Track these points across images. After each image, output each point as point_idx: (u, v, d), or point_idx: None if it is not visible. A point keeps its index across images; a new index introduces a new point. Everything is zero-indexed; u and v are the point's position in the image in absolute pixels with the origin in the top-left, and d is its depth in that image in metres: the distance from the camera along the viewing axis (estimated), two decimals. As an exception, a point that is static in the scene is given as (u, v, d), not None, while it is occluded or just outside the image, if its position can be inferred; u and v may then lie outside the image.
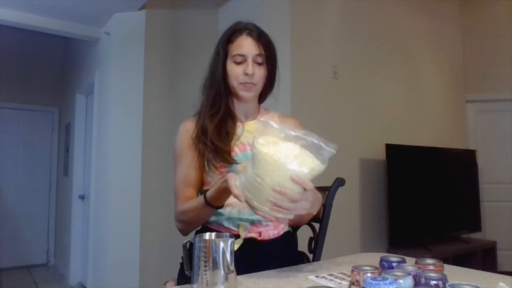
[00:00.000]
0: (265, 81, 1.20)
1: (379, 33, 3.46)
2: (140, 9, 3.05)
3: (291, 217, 0.89)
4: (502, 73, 4.17)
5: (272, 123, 0.86)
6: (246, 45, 1.14)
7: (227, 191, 0.92)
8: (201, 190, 1.21)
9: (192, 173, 1.16)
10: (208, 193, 1.02)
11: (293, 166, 0.83)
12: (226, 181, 0.92)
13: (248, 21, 1.20)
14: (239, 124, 1.21)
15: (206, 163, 1.14)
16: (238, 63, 1.15)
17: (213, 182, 1.15)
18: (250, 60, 1.14)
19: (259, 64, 1.16)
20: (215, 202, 1.02)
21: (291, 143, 0.84)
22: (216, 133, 1.14)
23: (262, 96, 1.27)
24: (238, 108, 1.23)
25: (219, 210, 1.15)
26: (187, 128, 1.20)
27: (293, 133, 0.85)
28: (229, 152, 1.13)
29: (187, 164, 1.17)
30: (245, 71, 1.13)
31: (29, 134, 4.89)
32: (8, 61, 4.59)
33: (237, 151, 1.15)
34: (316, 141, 0.84)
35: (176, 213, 1.15)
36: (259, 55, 1.14)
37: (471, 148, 4.07)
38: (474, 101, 4.30)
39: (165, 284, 1.16)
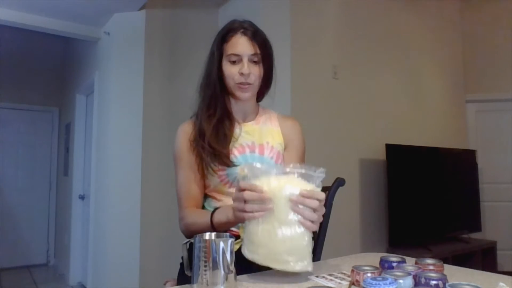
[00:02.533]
0: (262, 80, 1.18)
1: (379, 33, 3.46)
2: (140, 9, 3.05)
3: (316, 227, 0.87)
4: (502, 73, 4.17)
5: (257, 165, 0.87)
6: (240, 45, 1.12)
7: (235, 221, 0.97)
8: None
9: (194, 175, 1.16)
10: (216, 219, 1.03)
11: (287, 191, 0.83)
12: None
13: (244, 19, 1.17)
14: (236, 125, 1.20)
15: (205, 167, 1.13)
16: (233, 63, 1.13)
17: (212, 186, 1.16)
18: (245, 60, 1.12)
19: (255, 63, 1.14)
20: (221, 229, 1.03)
21: (278, 177, 0.85)
22: (214, 136, 1.13)
23: (259, 95, 1.26)
24: (236, 108, 1.21)
25: None
26: (185, 130, 1.19)
27: (278, 170, 0.86)
28: (227, 155, 1.12)
29: (188, 167, 1.16)
30: (240, 71, 1.12)
31: (29, 134, 4.89)
32: (8, 61, 4.59)
33: (236, 154, 1.14)
34: (304, 171, 0.85)
35: (181, 221, 1.14)
36: (254, 54, 1.13)
37: (471, 148, 4.07)
38: (474, 101, 4.30)
39: (165, 284, 1.16)
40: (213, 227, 1.02)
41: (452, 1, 4.33)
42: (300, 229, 0.84)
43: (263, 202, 0.84)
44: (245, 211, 0.85)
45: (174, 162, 1.21)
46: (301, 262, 0.84)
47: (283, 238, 0.83)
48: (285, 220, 0.83)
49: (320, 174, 0.86)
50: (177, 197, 1.17)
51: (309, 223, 0.84)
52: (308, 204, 0.84)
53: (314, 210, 0.84)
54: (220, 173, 1.13)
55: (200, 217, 1.08)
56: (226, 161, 1.11)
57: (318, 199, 0.85)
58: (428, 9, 3.96)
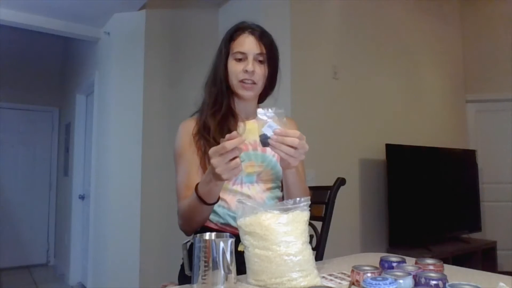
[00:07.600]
0: (266, 81, 1.19)
1: (379, 33, 3.46)
2: (140, 9, 3.05)
3: (296, 162, 0.94)
4: (502, 73, 4.17)
5: (248, 203, 0.88)
6: (247, 43, 1.15)
7: (216, 182, 0.94)
8: None
9: (194, 172, 1.14)
10: (200, 190, 0.99)
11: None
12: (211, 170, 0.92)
13: (253, 22, 1.20)
14: (240, 123, 1.20)
15: (207, 161, 1.12)
16: (239, 61, 1.15)
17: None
18: (250, 58, 1.14)
19: (260, 62, 1.16)
20: (208, 198, 0.99)
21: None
22: (218, 131, 1.13)
23: (262, 97, 1.27)
24: (239, 107, 1.22)
25: (224, 210, 1.14)
26: (187, 127, 1.19)
27: (265, 207, 0.86)
28: None
29: (189, 163, 1.15)
30: (245, 68, 1.13)
31: (29, 134, 4.89)
32: (8, 61, 4.59)
33: None
34: (289, 205, 0.86)
35: (178, 213, 1.13)
36: (260, 54, 1.15)
37: (471, 148, 4.07)
38: (474, 101, 4.30)
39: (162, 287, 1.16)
40: (199, 197, 0.99)
41: (452, 1, 4.33)
42: (298, 245, 0.83)
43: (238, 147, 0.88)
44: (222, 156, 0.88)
45: (174, 160, 1.20)
46: (308, 277, 0.83)
47: (283, 258, 0.82)
48: (280, 242, 0.82)
49: (304, 203, 0.87)
50: (177, 193, 1.15)
51: (292, 159, 0.92)
52: (289, 142, 0.89)
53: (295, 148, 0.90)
54: None
55: (188, 200, 1.06)
56: None
57: (297, 137, 0.89)
58: (428, 9, 3.96)
